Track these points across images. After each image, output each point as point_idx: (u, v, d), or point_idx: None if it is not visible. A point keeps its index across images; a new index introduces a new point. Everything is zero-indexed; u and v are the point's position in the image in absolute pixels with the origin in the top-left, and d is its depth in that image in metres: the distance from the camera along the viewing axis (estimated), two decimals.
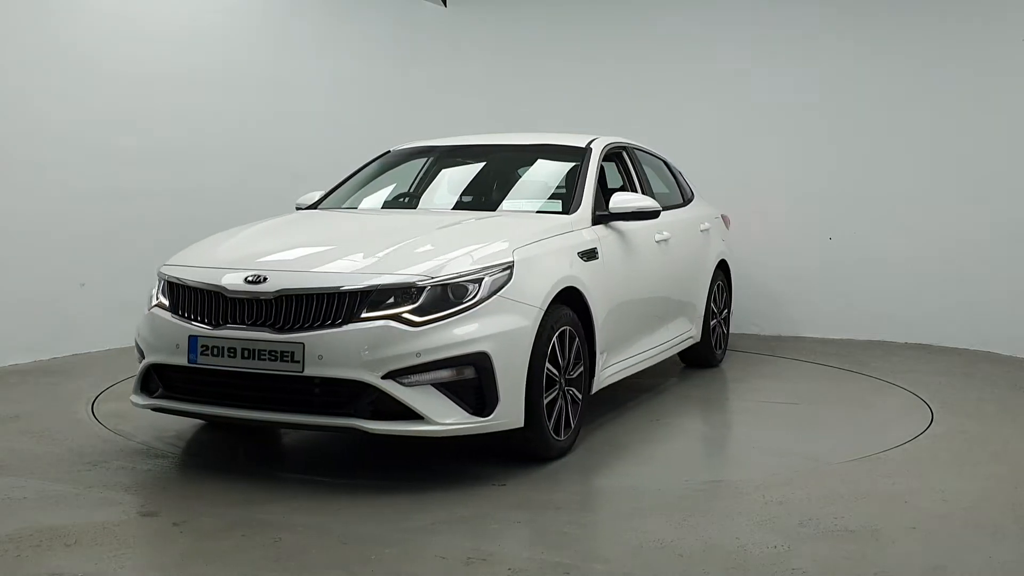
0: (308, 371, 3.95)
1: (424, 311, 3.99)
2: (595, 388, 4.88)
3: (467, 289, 4.09)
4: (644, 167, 6.23)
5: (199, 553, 3.34)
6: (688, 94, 8.78)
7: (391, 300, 4.01)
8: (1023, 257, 7.50)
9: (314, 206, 5.74)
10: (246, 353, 4.03)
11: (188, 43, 7.66)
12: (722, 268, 7.05)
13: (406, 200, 5.76)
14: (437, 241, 4.45)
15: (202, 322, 4.18)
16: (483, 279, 4.13)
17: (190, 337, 4.16)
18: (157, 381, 4.37)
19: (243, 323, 4.08)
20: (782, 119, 8.46)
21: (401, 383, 3.93)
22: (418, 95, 9.35)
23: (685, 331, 6.33)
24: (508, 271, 4.22)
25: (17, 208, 6.65)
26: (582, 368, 4.63)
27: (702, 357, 6.82)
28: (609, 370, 5.09)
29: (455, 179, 5.86)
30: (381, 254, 4.25)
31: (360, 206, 5.70)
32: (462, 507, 3.85)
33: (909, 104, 8.00)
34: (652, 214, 5.24)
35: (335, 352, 3.93)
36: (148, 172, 7.36)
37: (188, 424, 5.13)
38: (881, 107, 8.12)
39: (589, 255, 4.84)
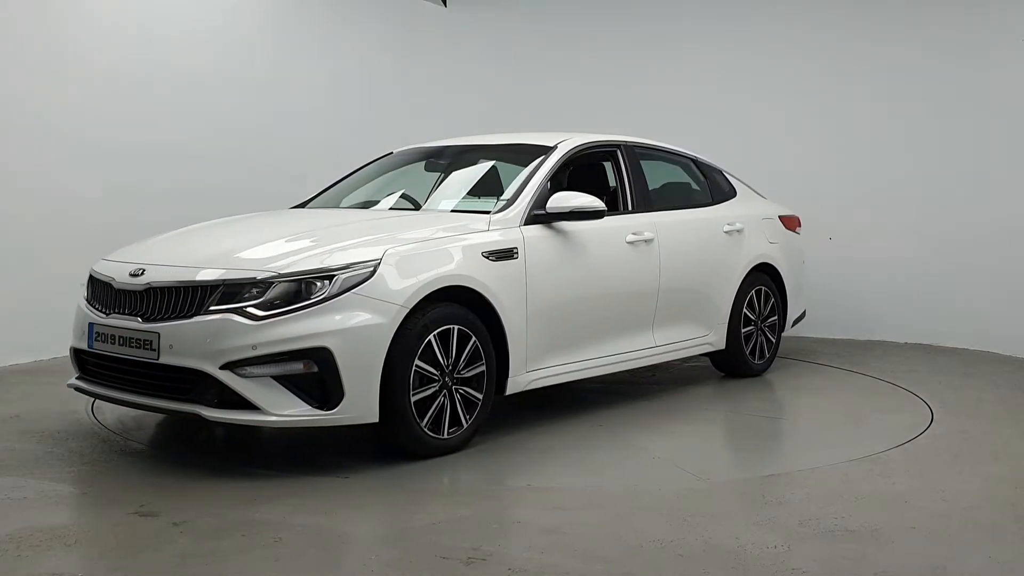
0: (162, 359, 4.23)
1: (269, 306, 4.14)
2: (514, 389, 4.86)
3: (315, 285, 4.20)
4: (647, 165, 6.12)
5: (199, 553, 3.33)
6: (689, 91, 8.79)
7: (246, 294, 4.18)
8: (1023, 257, 7.50)
9: (302, 205, 5.94)
10: (121, 340, 4.39)
11: (187, 43, 7.65)
12: (766, 272, 6.64)
13: (371, 201, 5.80)
14: (317, 239, 4.58)
15: (99, 311, 4.58)
16: (334, 276, 4.22)
17: (88, 324, 4.60)
18: (76, 364, 4.80)
19: (123, 313, 4.43)
20: (779, 119, 8.46)
21: (238, 374, 4.10)
22: (418, 95, 9.35)
23: (695, 337, 6.07)
24: (371, 269, 4.29)
25: (17, 208, 6.65)
26: (483, 368, 4.63)
27: (733, 366, 6.50)
28: (544, 371, 5.03)
29: (417, 180, 5.90)
30: (250, 250, 4.50)
31: (340, 206, 5.80)
32: (462, 507, 3.85)
33: (909, 104, 8.00)
34: (594, 214, 5.13)
35: (183, 342, 4.18)
36: (148, 172, 7.36)
37: (188, 424, 5.13)
38: (880, 107, 8.13)
39: (501, 255, 4.80)
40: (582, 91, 9.16)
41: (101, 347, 4.51)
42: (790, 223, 7.06)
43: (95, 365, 4.65)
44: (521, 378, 4.90)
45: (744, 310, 6.42)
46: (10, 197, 6.61)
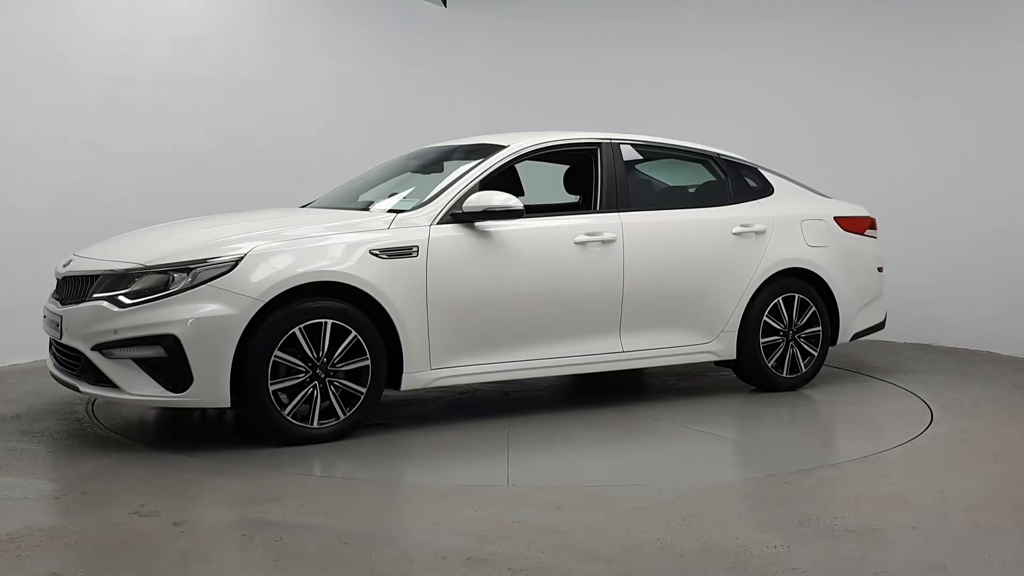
0: (63, 339, 4.73)
1: (136, 294, 4.54)
2: (413, 386, 4.93)
3: (174, 277, 4.54)
4: (654, 165, 6.01)
5: (199, 553, 3.34)
6: (687, 89, 8.80)
7: (127, 285, 4.57)
8: (1023, 257, 7.50)
9: (306, 204, 6.03)
10: (48, 322, 4.96)
11: (187, 44, 7.66)
12: (804, 277, 6.12)
13: (370, 202, 5.77)
14: (215, 236, 4.79)
15: (49, 298, 5.11)
16: (193, 269, 4.54)
17: (44, 308, 5.10)
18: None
19: (54, 298, 4.97)
20: (779, 117, 8.46)
21: (105, 355, 4.53)
22: (418, 95, 9.35)
23: (690, 344, 5.74)
24: (232, 263, 4.56)
25: (17, 208, 6.66)
26: (367, 362, 4.74)
27: (755, 378, 6.05)
28: (456, 370, 5.03)
29: (419, 181, 5.91)
30: (155, 245, 4.83)
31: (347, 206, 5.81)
32: (463, 507, 3.85)
33: (909, 103, 8.01)
34: (511, 213, 5.08)
35: (72, 324, 4.67)
36: (148, 173, 7.37)
37: (187, 424, 5.13)
38: (880, 106, 8.13)
39: (396, 253, 4.86)
40: (583, 90, 9.16)
41: (45, 328, 5.06)
42: (853, 225, 6.43)
43: (51, 346, 5.12)
44: (423, 375, 4.95)
45: (765, 318, 5.96)
46: (10, 197, 6.61)
